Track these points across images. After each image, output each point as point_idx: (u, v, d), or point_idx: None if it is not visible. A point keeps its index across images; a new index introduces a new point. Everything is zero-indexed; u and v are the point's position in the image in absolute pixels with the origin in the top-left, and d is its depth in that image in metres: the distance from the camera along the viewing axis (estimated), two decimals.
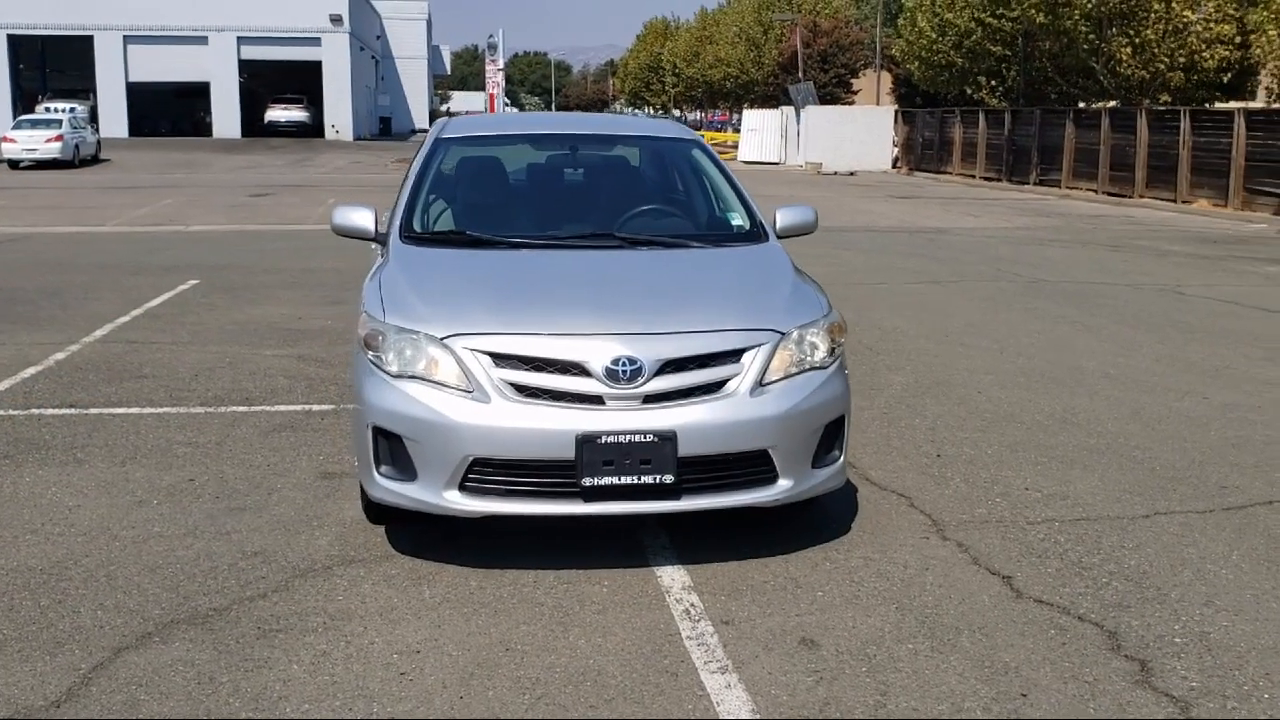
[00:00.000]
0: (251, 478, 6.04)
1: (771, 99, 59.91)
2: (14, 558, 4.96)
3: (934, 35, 40.14)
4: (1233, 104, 33.28)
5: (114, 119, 56.27)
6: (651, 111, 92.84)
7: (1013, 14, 36.90)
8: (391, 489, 4.84)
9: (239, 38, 57.38)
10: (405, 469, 4.80)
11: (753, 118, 51.51)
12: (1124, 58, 32.24)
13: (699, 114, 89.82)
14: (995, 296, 12.92)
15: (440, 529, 5.15)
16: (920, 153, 43.93)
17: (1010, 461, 6.48)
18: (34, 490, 5.82)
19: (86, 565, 4.89)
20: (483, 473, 4.70)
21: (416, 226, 5.81)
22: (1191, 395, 8.20)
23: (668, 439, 4.63)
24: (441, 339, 4.80)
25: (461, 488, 4.72)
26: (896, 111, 45.94)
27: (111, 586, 4.68)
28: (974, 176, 39.11)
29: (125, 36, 56.55)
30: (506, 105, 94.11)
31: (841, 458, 5.13)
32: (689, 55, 77.05)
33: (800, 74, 52.22)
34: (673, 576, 4.82)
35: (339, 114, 59.42)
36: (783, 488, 4.87)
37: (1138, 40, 31.86)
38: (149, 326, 10.04)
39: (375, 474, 4.87)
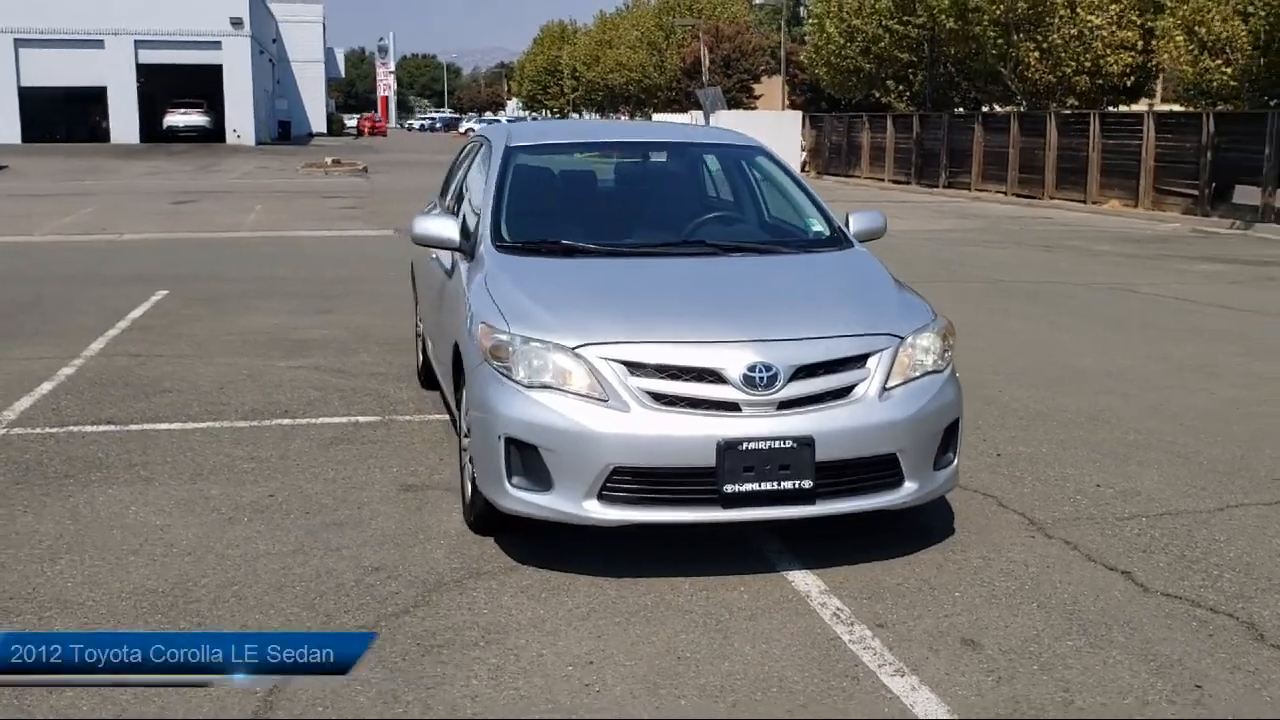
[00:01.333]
0: (333, 492, 5.95)
1: (675, 103, 60.25)
2: (129, 580, 4.83)
3: (842, 41, 40.69)
4: (1143, 106, 34.43)
5: (6, 124, 54.41)
6: (549, 114, 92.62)
7: (919, 20, 37.65)
8: (526, 499, 4.82)
9: (136, 41, 55.86)
10: (540, 479, 4.78)
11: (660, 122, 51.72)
12: (1032, 62, 33.04)
13: (599, 117, 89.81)
14: (963, 298, 13.17)
15: (556, 539, 5.13)
16: (828, 156, 44.55)
17: (1068, 459, 6.66)
18: (113, 510, 5.67)
19: (208, 586, 4.78)
20: (622, 482, 4.71)
21: (506, 235, 5.78)
22: (1198, 392, 8.49)
23: (806, 444, 4.69)
24: (574, 349, 4.80)
25: (600, 497, 4.72)
26: (804, 115, 46.51)
27: (244, 606, 4.60)
28: (883, 179, 39.78)
29: (16, 40, 54.70)
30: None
31: (956, 460, 5.24)
32: (589, 59, 77.05)
33: (704, 79, 52.58)
34: (806, 581, 4.87)
35: (240, 118, 58.27)
36: (909, 490, 4.96)
37: (1045, 45, 32.66)
38: (144, 339, 9.79)
39: (507, 485, 4.84)
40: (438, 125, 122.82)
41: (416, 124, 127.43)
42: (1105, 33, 31.95)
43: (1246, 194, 24.50)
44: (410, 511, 5.69)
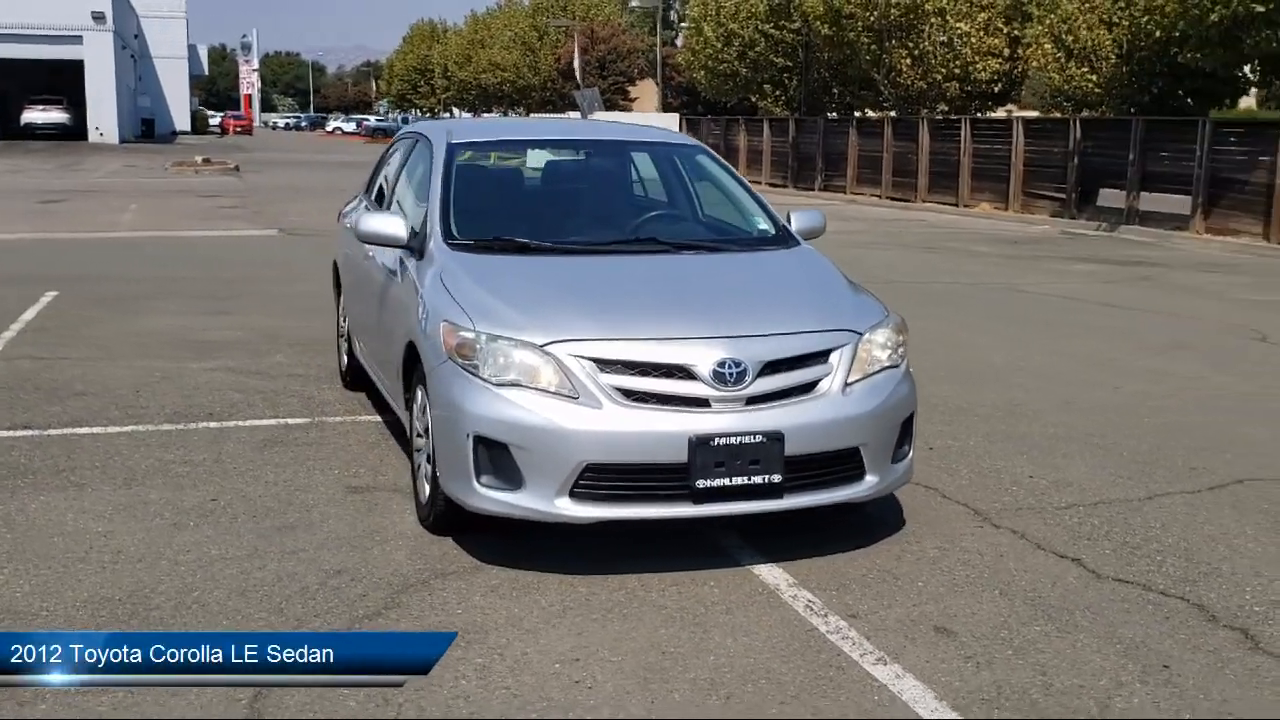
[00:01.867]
0: (277, 495, 5.82)
1: (550, 104, 60.22)
2: (81, 588, 4.67)
3: (719, 45, 41.14)
4: (1015, 112, 35.49)
5: None
6: (420, 114, 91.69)
7: (794, 26, 38.28)
8: (495, 498, 4.79)
9: None
10: (510, 477, 4.76)
11: None
12: (904, 69, 33.82)
13: (472, 117, 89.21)
14: None
15: (518, 537, 5.10)
16: None
17: (997, 452, 6.86)
18: (50, 517, 5.46)
19: (167, 593, 4.65)
20: (593, 478, 4.71)
21: (456, 233, 5.72)
22: (1102, 386, 8.80)
23: (776, 439, 4.75)
24: (542, 346, 4.79)
25: (572, 494, 4.72)
26: (681, 118, 46.86)
27: (209, 612, 4.49)
28: (760, 182, 40.19)
29: None
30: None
31: (911, 452, 5.36)
32: (461, 58, 76.49)
33: (579, 80, 52.62)
34: (773, 574, 4.93)
35: (103, 115, 56.38)
36: (870, 483, 5.06)
37: (917, 52, 33.48)
38: (43, 341, 9.43)
39: (475, 484, 4.81)
40: (303, 124, 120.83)
41: (281, 122, 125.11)
42: (974, 40, 32.90)
43: (1111, 197, 25.44)
44: (361, 513, 5.60)
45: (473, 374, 4.84)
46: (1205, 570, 5.08)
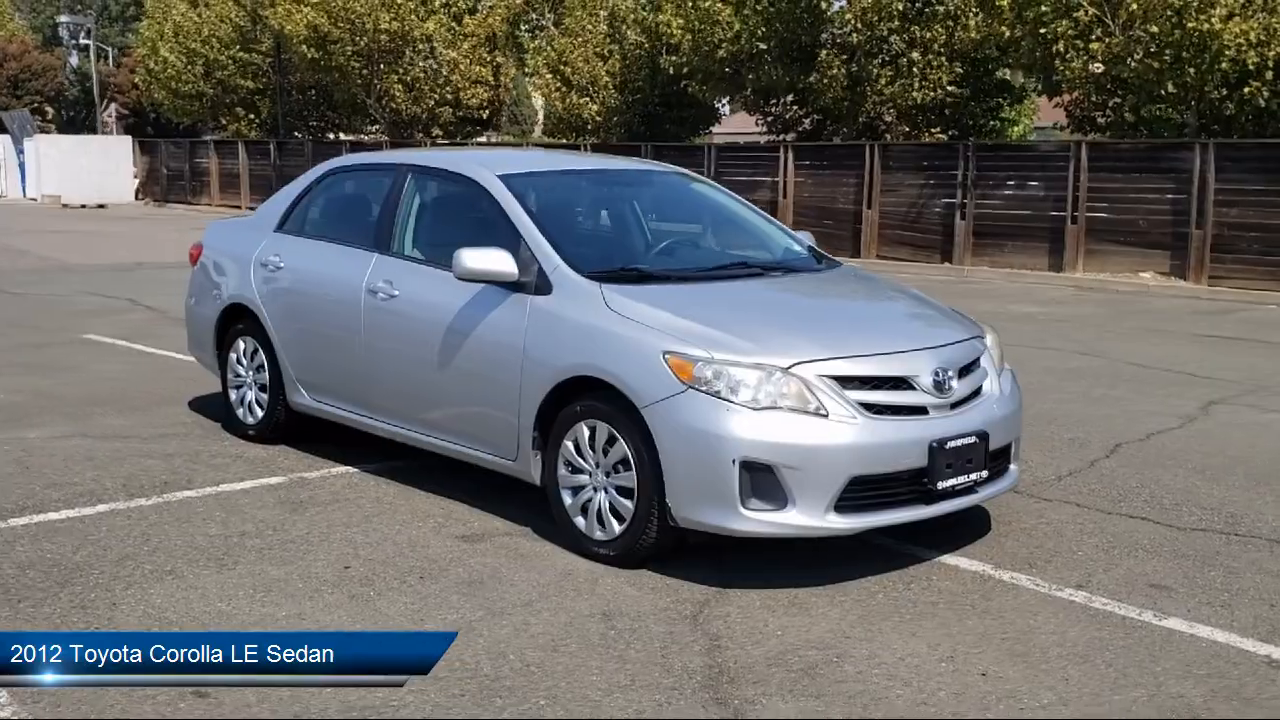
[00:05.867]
0: (404, 555, 5.41)
1: None
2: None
3: (181, 65, 39.09)
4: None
5: None
6: None
7: (264, 48, 37.38)
8: (763, 520, 4.91)
9: None
10: (774, 497, 4.91)
11: None
12: (396, 94, 34.21)
13: None
14: None
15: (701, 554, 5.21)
16: (168, 184, 42.45)
17: None
18: (190, 610, 4.74)
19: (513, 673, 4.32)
20: (855, 490, 4.98)
21: (581, 265, 5.61)
22: None
23: (983, 437, 5.29)
24: (787, 368, 4.97)
25: (837, 508, 4.95)
26: (136, 141, 43.88)
27: (577, 689, 4.26)
28: (240, 207, 38.80)
29: None
30: None
31: None
32: None
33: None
34: (968, 564, 5.41)
35: None
36: (1014, 474, 5.74)
37: (408, 78, 34.00)
38: None
39: (741, 508, 4.88)
40: None
41: None
42: (463, 67, 33.97)
43: None
44: (513, 559, 5.39)
45: (727, 400, 4.90)
46: None
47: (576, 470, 5.38)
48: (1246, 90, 19.40)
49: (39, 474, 6.55)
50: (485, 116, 35.73)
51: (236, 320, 7.33)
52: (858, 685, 4.20)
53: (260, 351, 7.14)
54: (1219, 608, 4.94)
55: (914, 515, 5.17)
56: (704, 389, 4.95)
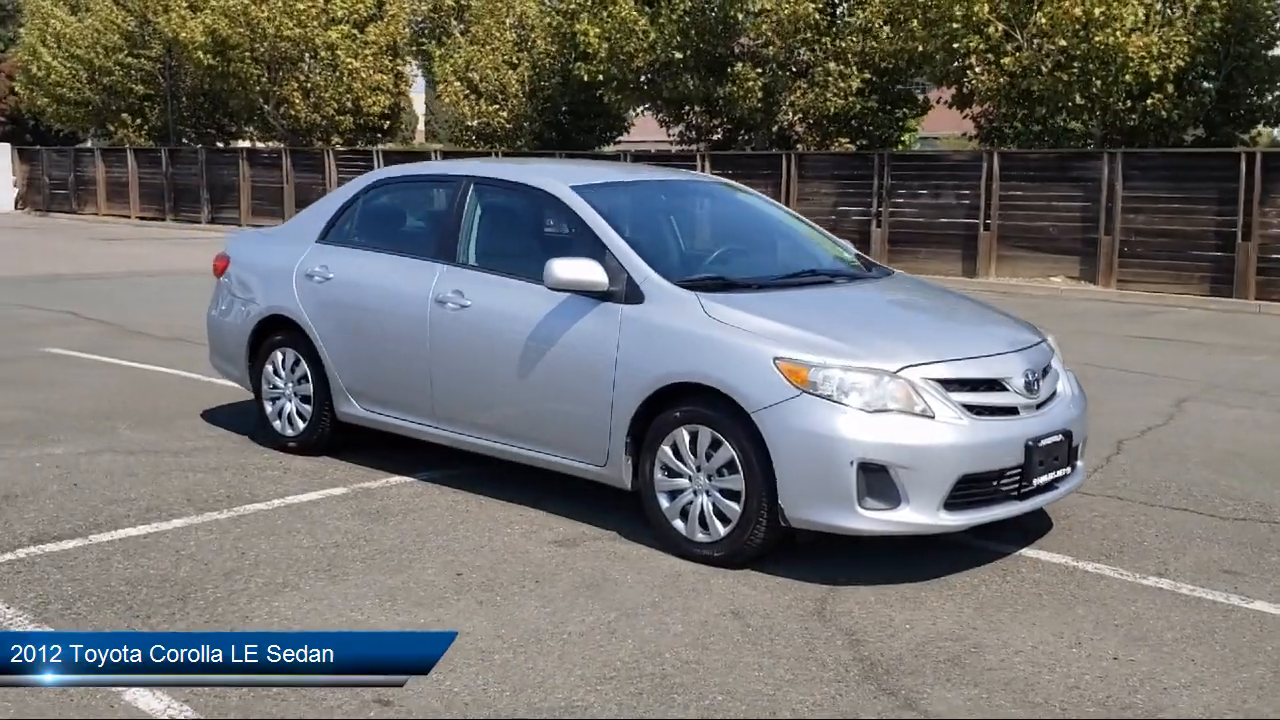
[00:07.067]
0: (508, 563, 5.48)
1: None
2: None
3: (65, 71, 37.91)
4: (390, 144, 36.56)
5: None
6: None
7: (154, 53, 36.52)
8: (879, 518, 5.11)
9: None
10: (889, 496, 5.11)
11: None
12: (296, 101, 33.71)
13: None
14: None
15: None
16: (50, 193, 41.09)
17: None
18: (330, 619, 4.76)
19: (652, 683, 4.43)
20: (963, 489, 5.20)
21: (669, 275, 5.74)
22: None
23: (1068, 435, 5.57)
24: (895, 372, 5.19)
25: (947, 506, 5.17)
26: (15, 149, 42.38)
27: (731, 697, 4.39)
28: (129, 216, 37.80)
29: None
30: None
31: None
32: None
33: None
34: (1048, 556, 5.68)
35: None
36: (1081, 471, 6.00)
37: (309, 85, 33.53)
38: None
39: (858, 508, 5.07)
40: None
41: None
42: (364, 75, 33.62)
43: None
44: (613, 562, 5.51)
45: (841, 404, 5.09)
46: None
47: (674, 474, 5.51)
48: (1149, 102, 20.36)
49: (93, 490, 6.43)
50: (386, 125, 35.40)
51: (273, 331, 7.27)
52: (1007, 673, 4.42)
53: (302, 362, 7.09)
54: None
55: (1011, 511, 5.43)
56: (817, 393, 5.13)
